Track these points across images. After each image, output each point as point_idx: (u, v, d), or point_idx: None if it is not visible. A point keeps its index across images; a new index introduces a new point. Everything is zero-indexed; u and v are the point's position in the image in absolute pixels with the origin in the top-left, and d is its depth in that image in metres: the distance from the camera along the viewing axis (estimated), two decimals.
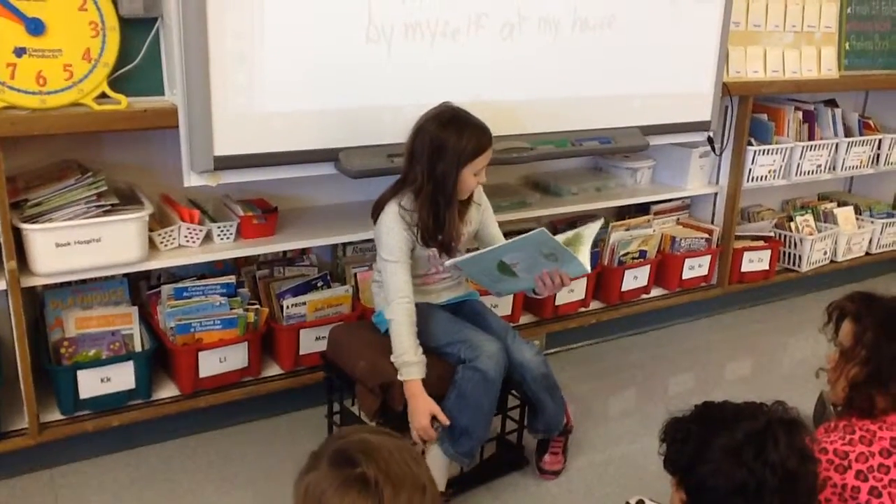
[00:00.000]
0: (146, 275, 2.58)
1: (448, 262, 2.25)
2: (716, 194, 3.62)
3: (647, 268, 3.38)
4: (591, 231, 2.17)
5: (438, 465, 2.17)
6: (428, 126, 2.13)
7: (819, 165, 3.78)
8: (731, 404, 1.39)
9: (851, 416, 1.66)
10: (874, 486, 1.55)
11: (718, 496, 1.30)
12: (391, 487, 1.07)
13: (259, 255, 2.74)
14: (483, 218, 2.37)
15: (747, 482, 1.27)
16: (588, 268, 2.13)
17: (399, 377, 2.11)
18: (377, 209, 2.22)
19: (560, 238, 2.14)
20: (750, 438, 1.30)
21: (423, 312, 2.26)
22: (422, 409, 2.09)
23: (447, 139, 2.09)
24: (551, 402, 2.30)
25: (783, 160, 3.64)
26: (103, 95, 2.16)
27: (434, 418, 2.10)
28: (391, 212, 2.17)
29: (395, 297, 2.15)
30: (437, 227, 2.16)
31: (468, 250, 2.34)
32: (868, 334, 1.65)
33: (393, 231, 2.16)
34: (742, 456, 1.28)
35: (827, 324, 1.75)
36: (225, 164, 2.21)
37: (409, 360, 2.10)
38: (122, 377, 2.37)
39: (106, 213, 2.23)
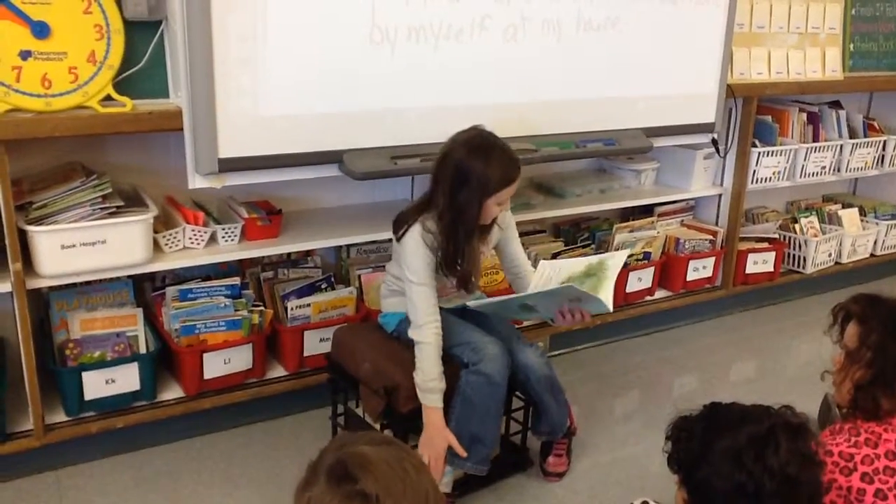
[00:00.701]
0: (151, 276, 2.58)
1: (471, 304, 2.24)
2: (720, 196, 3.61)
3: (652, 269, 3.38)
4: (616, 262, 2.13)
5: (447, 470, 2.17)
6: (456, 151, 2.06)
7: (823, 167, 3.77)
8: (739, 406, 1.39)
9: (856, 418, 1.66)
10: (880, 488, 1.54)
11: (718, 497, 1.31)
12: (392, 501, 1.07)
13: (263, 257, 2.75)
14: (505, 235, 2.32)
15: (745, 485, 1.27)
16: (610, 306, 2.07)
17: (421, 400, 2.11)
18: (400, 225, 2.17)
19: (583, 263, 2.13)
20: (751, 442, 1.30)
21: None
22: (438, 440, 2.09)
23: (473, 168, 2.03)
24: (555, 403, 2.30)
25: (787, 162, 3.63)
26: (108, 98, 2.17)
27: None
28: (416, 232, 2.11)
29: (425, 320, 2.12)
30: (457, 255, 2.12)
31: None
32: (873, 336, 1.64)
33: (418, 253, 2.11)
34: (742, 459, 1.28)
35: (832, 326, 1.74)
36: (229, 166, 2.22)
37: (435, 386, 2.09)
38: (127, 378, 2.37)
39: (111, 215, 2.24)
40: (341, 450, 1.14)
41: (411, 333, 2.15)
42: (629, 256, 3.29)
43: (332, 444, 1.19)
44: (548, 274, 2.21)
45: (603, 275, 2.10)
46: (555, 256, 3.07)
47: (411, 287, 2.13)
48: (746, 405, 1.40)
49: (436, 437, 2.10)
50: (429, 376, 2.09)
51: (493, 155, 2.05)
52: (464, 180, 2.04)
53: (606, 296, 2.06)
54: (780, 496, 1.27)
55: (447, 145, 2.09)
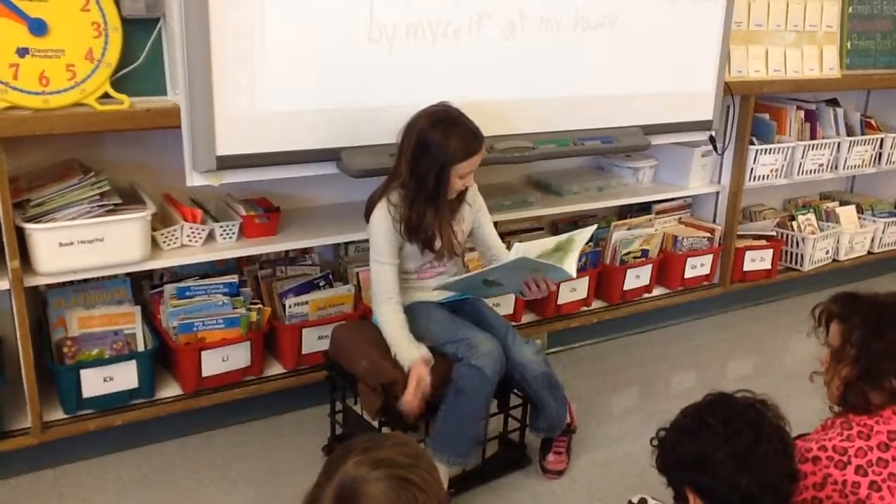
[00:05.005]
0: (149, 274, 2.58)
1: (434, 286, 2.29)
2: (718, 193, 3.62)
3: (649, 267, 3.38)
4: (583, 236, 2.20)
5: (439, 467, 2.17)
6: (419, 123, 2.13)
7: (821, 165, 3.77)
8: (731, 408, 1.43)
9: (848, 414, 1.66)
10: (874, 480, 1.55)
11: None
12: None
13: (261, 255, 2.75)
14: (477, 217, 2.37)
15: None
16: (574, 273, 2.14)
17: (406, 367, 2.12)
18: (369, 207, 2.23)
19: (553, 241, 2.18)
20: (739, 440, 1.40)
21: (422, 311, 2.27)
22: (419, 382, 2.10)
23: (433, 139, 2.10)
24: (553, 400, 2.30)
25: (785, 159, 3.63)
26: (106, 95, 2.17)
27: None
28: (381, 208, 2.19)
29: (383, 297, 2.19)
30: (418, 223, 2.16)
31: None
32: (856, 333, 1.65)
33: (381, 230, 2.18)
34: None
35: (816, 327, 1.75)
36: (227, 163, 2.22)
37: (412, 351, 2.12)
38: (125, 376, 2.37)
39: (109, 212, 2.24)
40: (346, 476, 1.10)
41: (374, 312, 2.21)
42: (627, 254, 3.30)
43: (353, 453, 1.13)
44: (522, 252, 2.24)
45: (570, 248, 2.18)
46: None
47: (372, 265, 2.21)
48: (738, 406, 1.46)
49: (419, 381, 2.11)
50: (403, 354, 2.13)
51: (455, 128, 2.12)
52: (424, 150, 2.11)
53: (570, 265, 2.13)
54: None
55: (411, 119, 2.16)
